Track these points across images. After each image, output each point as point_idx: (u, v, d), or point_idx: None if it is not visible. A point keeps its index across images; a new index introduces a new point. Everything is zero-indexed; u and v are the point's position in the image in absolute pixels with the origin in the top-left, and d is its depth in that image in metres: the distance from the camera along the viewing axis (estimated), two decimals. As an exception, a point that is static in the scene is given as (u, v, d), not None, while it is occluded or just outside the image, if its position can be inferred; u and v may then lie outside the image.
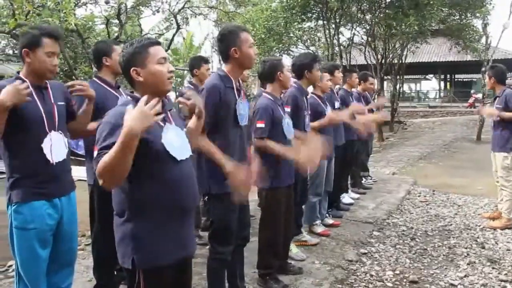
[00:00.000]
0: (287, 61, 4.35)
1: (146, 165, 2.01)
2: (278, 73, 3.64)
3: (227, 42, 2.93)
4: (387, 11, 12.60)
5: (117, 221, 2.14)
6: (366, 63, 16.10)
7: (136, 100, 2.08)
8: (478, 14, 15.61)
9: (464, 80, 37.72)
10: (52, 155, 2.65)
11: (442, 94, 33.99)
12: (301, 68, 4.19)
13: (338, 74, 5.59)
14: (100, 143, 1.93)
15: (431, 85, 41.59)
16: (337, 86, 5.93)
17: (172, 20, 10.05)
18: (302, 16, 14.60)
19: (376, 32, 15.61)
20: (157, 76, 2.08)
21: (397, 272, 4.19)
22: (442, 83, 35.19)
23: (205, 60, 5.03)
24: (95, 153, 1.93)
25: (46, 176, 2.64)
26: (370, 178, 7.90)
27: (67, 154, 2.77)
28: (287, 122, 3.58)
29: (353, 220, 5.68)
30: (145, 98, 1.90)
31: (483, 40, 15.49)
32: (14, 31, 5.39)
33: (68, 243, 2.84)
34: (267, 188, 3.56)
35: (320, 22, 15.83)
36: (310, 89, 4.85)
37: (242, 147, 3.02)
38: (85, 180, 3.48)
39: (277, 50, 15.69)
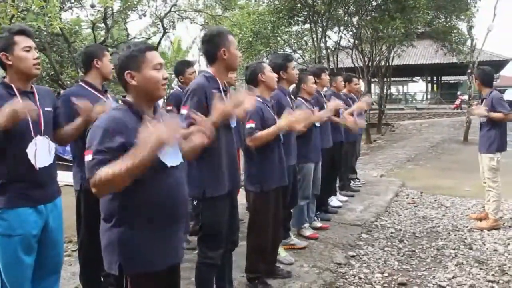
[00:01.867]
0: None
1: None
2: (260, 75, 3.67)
3: (215, 43, 2.92)
4: (373, 14, 12.70)
5: (103, 226, 2.11)
6: (353, 65, 16.18)
7: (129, 106, 2.06)
8: (463, 17, 15.78)
9: (451, 82, 38.13)
10: (36, 160, 2.61)
11: (429, 96, 34.29)
12: (276, 69, 4.17)
13: (325, 77, 5.60)
14: (95, 148, 1.91)
15: (418, 87, 41.99)
16: (325, 89, 5.94)
17: (159, 24, 10.01)
18: (289, 19, 14.65)
19: (363, 35, 15.71)
20: (151, 81, 2.07)
21: (386, 274, 4.20)
22: (429, 85, 35.51)
23: (188, 64, 5.01)
24: (88, 157, 1.91)
25: (31, 182, 2.61)
26: (358, 180, 7.92)
27: (53, 159, 2.74)
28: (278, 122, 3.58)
29: (342, 223, 5.68)
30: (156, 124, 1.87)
31: (468, 42, 15.63)
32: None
33: (54, 249, 2.81)
34: (255, 192, 3.55)
35: (307, 25, 15.90)
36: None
37: (231, 150, 3.01)
38: (72, 185, 3.43)
39: (264, 54, 15.71)
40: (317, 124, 4.87)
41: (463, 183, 8.44)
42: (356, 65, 16.08)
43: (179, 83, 5.02)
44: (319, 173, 5.17)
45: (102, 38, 8.65)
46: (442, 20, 17.00)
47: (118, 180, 1.83)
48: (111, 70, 3.53)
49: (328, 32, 16.48)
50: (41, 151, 2.64)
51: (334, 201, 6.35)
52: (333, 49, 16.29)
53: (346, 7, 13.79)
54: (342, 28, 15.18)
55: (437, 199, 7.18)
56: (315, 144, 4.87)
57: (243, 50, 13.51)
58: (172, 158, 2.12)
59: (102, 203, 2.12)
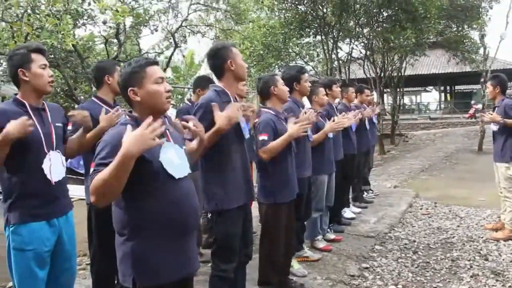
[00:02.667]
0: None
1: (144, 183, 2.03)
2: (272, 87, 3.70)
3: (221, 56, 2.99)
4: (384, 25, 12.71)
5: (118, 240, 2.14)
6: (365, 76, 16.17)
7: (134, 120, 2.11)
8: (475, 26, 15.72)
9: (464, 91, 37.76)
10: (52, 174, 2.67)
11: (442, 106, 34.04)
12: (290, 81, 4.19)
13: (336, 88, 5.61)
14: (97, 161, 1.96)
15: (431, 97, 41.70)
16: (337, 100, 5.96)
17: (171, 39, 10.12)
18: (300, 31, 14.69)
19: (374, 46, 15.70)
20: (154, 95, 2.11)
21: (400, 286, 4.17)
22: (443, 95, 35.27)
23: (211, 82, 5.04)
24: (91, 170, 1.96)
25: (46, 196, 2.65)
26: (371, 192, 7.88)
27: (65, 172, 2.80)
28: None
29: (355, 235, 5.66)
30: (149, 120, 1.91)
31: (481, 51, 15.54)
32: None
33: (67, 262, 2.84)
34: (268, 204, 3.57)
35: (318, 37, 15.95)
36: (308, 104, 4.88)
37: (244, 163, 3.04)
38: (84, 199, 3.48)
39: (276, 66, 15.79)
40: (330, 136, 4.88)
41: (478, 193, 8.35)
42: (368, 76, 16.06)
43: (190, 97, 5.05)
44: (332, 185, 5.16)
45: (115, 54, 8.77)
46: (454, 29, 16.96)
47: (107, 182, 1.86)
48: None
49: (340, 44, 16.52)
50: (55, 166, 2.70)
51: (347, 212, 6.33)
52: (344, 60, 16.31)
53: (357, 18, 13.82)
54: (353, 39, 15.18)
55: (451, 210, 7.10)
56: (328, 156, 4.88)
57: (254, 63, 13.64)
58: (179, 170, 2.16)
59: (114, 216, 2.16)
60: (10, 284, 4.29)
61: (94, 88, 7.67)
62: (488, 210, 6.89)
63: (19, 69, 2.59)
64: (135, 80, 2.10)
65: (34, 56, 2.64)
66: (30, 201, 2.59)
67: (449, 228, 6.05)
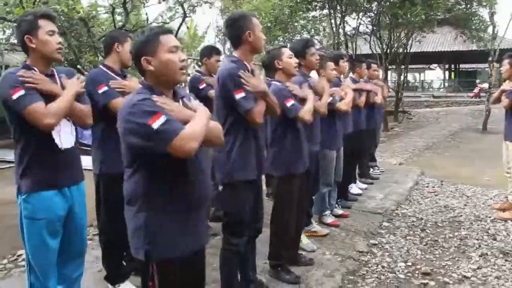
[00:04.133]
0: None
1: (160, 155, 1.94)
2: (276, 61, 3.57)
3: (240, 26, 2.89)
4: (395, 0, 12.40)
5: (129, 212, 2.09)
6: (371, 52, 15.95)
7: (149, 88, 2.03)
8: (484, 3, 15.42)
9: (469, 70, 37.51)
10: (62, 141, 2.61)
11: (446, 84, 33.80)
12: (296, 54, 4.05)
13: (343, 63, 5.48)
14: (161, 121, 1.85)
15: (435, 75, 41.39)
16: (342, 75, 5.85)
17: (177, 9, 9.92)
18: (307, 5, 14.42)
19: (381, 21, 15.44)
20: (168, 65, 2.03)
21: (409, 263, 4.15)
22: (447, 73, 34.99)
23: (217, 51, 4.93)
24: (157, 124, 1.84)
25: (56, 164, 2.60)
26: (377, 168, 7.84)
27: (74, 142, 2.74)
28: None
29: (362, 211, 5.63)
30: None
31: (490, 29, 15.31)
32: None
33: (78, 233, 2.82)
34: (280, 177, 3.52)
35: (325, 11, 15.66)
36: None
37: (258, 137, 2.98)
38: (90, 170, 3.41)
39: (282, 39, 15.55)
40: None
41: (483, 172, 8.31)
42: (374, 51, 15.82)
43: (198, 68, 4.95)
44: (341, 160, 5.11)
45: (121, 23, 8.59)
46: (463, 6, 16.63)
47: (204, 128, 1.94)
48: (130, 57, 3.52)
49: (346, 18, 16.27)
50: (64, 132, 2.64)
51: (354, 188, 6.30)
52: (351, 35, 16.05)
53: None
54: (361, 14, 14.88)
55: (458, 188, 7.07)
56: (337, 131, 4.81)
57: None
58: None
59: (125, 187, 2.09)
60: (20, 252, 4.32)
61: (100, 58, 7.54)
62: (495, 190, 6.85)
63: (26, 36, 2.52)
64: (149, 49, 2.01)
65: (41, 22, 2.55)
66: (40, 169, 2.55)
67: (456, 207, 6.02)
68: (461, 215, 5.65)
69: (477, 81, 29.93)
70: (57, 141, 2.58)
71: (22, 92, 2.41)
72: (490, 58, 14.84)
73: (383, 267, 4.06)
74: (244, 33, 2.87)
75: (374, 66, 6.88)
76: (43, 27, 2.55)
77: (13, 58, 11.21)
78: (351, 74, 6.34)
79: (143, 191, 2.02)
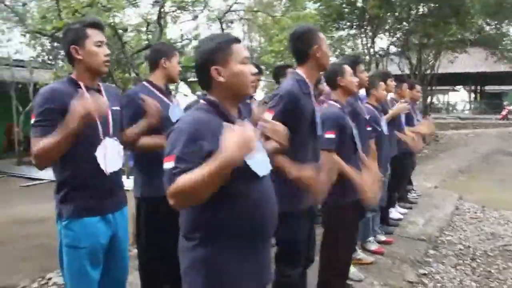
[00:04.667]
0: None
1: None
2: (339, 78, 3.35)
3: (308, 40, 2.70)
4: (427, 19, 12.18)
5: (184, 244, 1.86)
6: (399, 72, 15.69)
7: (213, 105, 1.84)
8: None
9: (494, 91, 36.87)
10: (107, 164, 2.37)
11: (472, 106, 33.23)
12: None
13: (391, 82, 5.29)
14: (178, 153, 1.66)
15: (459, 97, 40.78)
16: (389, 95, 5.65)
17: (211, 25, 9.84)
18: (337, 24, 14.25)
19: (410, 42, 15.21)
20: (240, 77, 1.82)
21: (465, 297, 3.87)
22: (472, 95, 34.45)
23: (259, 70, 4.75)
24: (169, 164, 1.66)
25: (100, 188, 2.38)
26: (414, 192, 7.55)
27: (121, 164, 2.54)
28: (356, 132, 3.30)
29: (405, 237, 5.36)
30: (241, 126, 1.64)
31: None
32: (57, 34, 5.27)
33: (120, 261, 2.58)
34: (333, 205, 3.29)
35: (353, 31, 15.49)
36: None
37: (316, 160, 2.76)
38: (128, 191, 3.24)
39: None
40: (385, 131, 4.59)
41: (524, 197, 7.96)
42: (402, 72, 15.57)
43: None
44: (386, 184, 4.87)
45: (146, 42, 8.52)
46: (492, 26, 16.34)
47: (197, 189, 1.58)
48: (178, 72, 3.36)
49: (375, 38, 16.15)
50: (110, 154, 2.40)
51: (393, 213, 6.02)
52: (382, 55, 15.83)
53: (399, 12, 13.22)
54: (391, 33, 14.67)
55: (502, 215, 6.73)
56: (385, 153, 4.58)
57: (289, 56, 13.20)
58: (262, 166, 1.87)
59: (183, 219, 1.88)
60: (50, 275, 4.16)
61: (133, 74, 7.44)
62: (542, 216, 6.51)
63: (72, 46, 2.32)
64: (220, 58, 1.80)
65: (89, 31, 2.34)
66: (83, 194, 2.33)
67: (504, 235, 5.70)
68: (511, 244, 5.33)
69: (505, 103, 29.34)
70: (102, 165, 2.35)
71: (34, 119, 2.23)
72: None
73: (437, 300, 3.79)
74: (311, 48, 2.69)
75: (418, 87, 6.64)
76: (91, 37, 2.34)
77: (41, 76, 11.26)
78: (391, 94, 6.12)
79: (205, 221, 1.80)
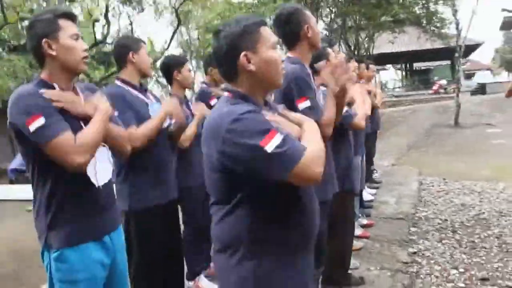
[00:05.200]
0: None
1: (275, 185, 1.50)
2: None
3: (297, 21, 2.49)
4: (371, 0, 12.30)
5: (225, 260, 1.61)
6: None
7: (243, 99, 1.59)
8: (441, 1, 15.63)
9: (422, 68, 38.54)
10: (97, 175, 2.00)
11: (404, 83, 34.51)
12: None
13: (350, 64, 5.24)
14: (281, 140, 1.42)
15: (388, 75, 42.27)
16: None
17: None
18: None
19: (347, 24, 15.40)
20: (271, 64, 1.59)
21: (461, 270, 3.88)
22: (400, 73, 35.79)
23: None
24: (276, 141, 1.41)
25: (93, 206, 2.00)
26: (375, 171, 7.62)
27: (112, 172, 2.16)
28: None
29: (383, 218, 5.35)
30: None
31: (452, 26, 15.55)
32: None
33: (121, 286, 2.23)
34: (337, 192, 3.14)
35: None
36: None
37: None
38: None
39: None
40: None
41: (477, 166, 8.29)
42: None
43: (203, 80, 4.49)
44: (364, 167, 4.82)
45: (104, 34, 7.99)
46: (420, 5, 16.83)
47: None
48: (150, 65, 3.09)
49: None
50: (101, 164, 2.03)
51: (365, 194, 6.01)
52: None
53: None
54: (330, 16, 14.71)
55: (464, 185, 6.92)
56: (362, 135, 4.51)
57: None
58: None
59: (219, 231, 1.63)
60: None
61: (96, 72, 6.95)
62: (501, 183, 6.77)
63: (44, 40, 1.91)
64: (249, 43, 1.56)
65: (63, 23, 1.95)
66: (74, 216, 1.94)
67: (473, 204, 5.85)
68: (483, 212, 5.47)
69: (435, 78, 30.71)
70: (92, 178, 1.98)
71: (42, 120, 1.80)
72: (456, 55, 15.09)
73: (436, 277, 3.77)
74: (302, 29, 2.49)
75: (372, 66, 6.64)
76: (65, 29, 1.95)
77: None
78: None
79: (248, 232, 1.56)
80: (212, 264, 3.97)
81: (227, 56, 1.59)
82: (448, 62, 33.56)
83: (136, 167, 2.75)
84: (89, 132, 1.91)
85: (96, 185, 2.00)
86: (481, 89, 29.27)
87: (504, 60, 47.62)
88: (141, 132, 2.62)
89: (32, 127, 1.79)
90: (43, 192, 1.93)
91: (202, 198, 3.64)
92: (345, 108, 3.72)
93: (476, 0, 14.39)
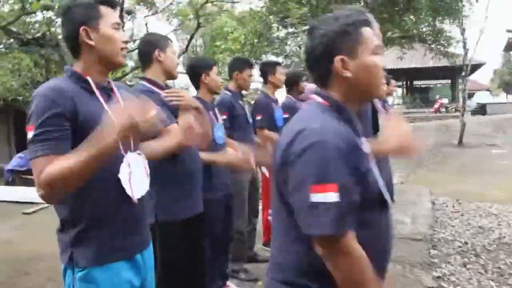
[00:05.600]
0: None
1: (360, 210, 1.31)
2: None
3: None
4: (383, 15, 12.14)
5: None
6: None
7: (336, 108, 1.38)
8: (451, 19, 15.56)
9: (422, 86, 38.59)
10: (133, 188, 1.76)
11: (403, 101, 34.48)
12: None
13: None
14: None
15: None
16: None
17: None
18: (282, 20, 13.92)
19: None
20: (372, 72, 1.38)
21: (492, 298, 3.68)
22: (402, 90, 35.78)
23: (249, 64, 4.29)
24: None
25: (126, 222, 1.77)
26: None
27: (149, 184, 1.91)
28: None
29: (400, 238, 5.12)
30: None
31: (459, 45, 15.45)
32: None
33: None
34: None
35: (301, 28, 15.24)
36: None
37: None
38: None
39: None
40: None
41: (487, 187, 8.16)
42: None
43: (226, 86, 4.28)
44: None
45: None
46: (426, 24, 16.74)
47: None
48: (177, 65, 2.87)
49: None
50: (136, 174, 1.79)
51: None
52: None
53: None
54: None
55: (479, 207, 6.73)
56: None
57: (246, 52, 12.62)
58: (388, 191, 1.46)
59: (283, 260, 1.42)
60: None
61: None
62: (517, 206, 6.59)
63: (82, 27, 1.71)
64: (347, 45, 1.36)
65: (104, 10, 1.76)
66: (106, 231, 1.72)
67: (492, 227, 5.65)
68: (504, 237, 5.27)
69: (437, 96, 30.69)
70: (127, 190, 1.74)
71: (32, 132, 1.58)
72: (463, 73, 15.00)
73: (466, 305, 3.56)
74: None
75: (393, 82, 6.43)
76: (106, 17, 1.76)
77: None
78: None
79: (322, 262, 1.31)
80: (228, 283, 3.75)
81: (320, 59, 1.40)
82: (448, 81, 33.68)
83: (164, 178, 2.54)
84: (61, 165, 1.54)
85: (133, 199, 1.76)
86: (481, 109, 29.29)
87: (502, 81, 48.03)
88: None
89: (29, 134, 1.60)
90: (71, 203, 1.69)
91: (222, 213, 3.45)
92: None
93: (485, 19, 14.24)
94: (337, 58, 1.35)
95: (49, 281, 4.15)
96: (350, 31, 1.36)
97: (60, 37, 6.71)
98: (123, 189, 1.73)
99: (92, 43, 1.73)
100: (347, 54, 1.36)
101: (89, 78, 1.74)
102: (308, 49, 1.43)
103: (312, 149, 1.25)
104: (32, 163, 1.58)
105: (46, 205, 7.67)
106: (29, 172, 12.20)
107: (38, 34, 6.77)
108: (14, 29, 6.35)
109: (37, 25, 7.72)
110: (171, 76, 2.80)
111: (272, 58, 14.65)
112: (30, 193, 8.55)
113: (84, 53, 1.76)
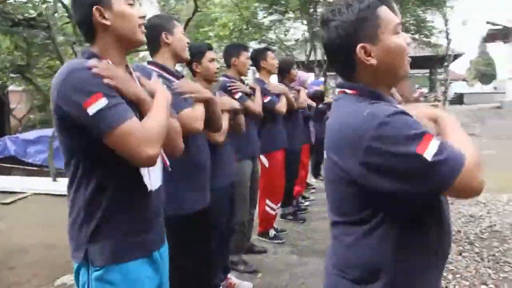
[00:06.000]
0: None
1: (424, 205, 1.29)
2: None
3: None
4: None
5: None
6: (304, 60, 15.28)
7: (371, 95, 1.32)
8: (433, 9, 15.71)
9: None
10: (151, 178, 1.69)
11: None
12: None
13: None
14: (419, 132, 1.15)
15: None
16: None
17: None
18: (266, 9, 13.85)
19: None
20: (397, 54, 1.30)
21: (491, 286, 3.72)
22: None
23: (245, 47, 4.23)
24: (434, 147, 1.13)
25: (143, 214, 1.68)
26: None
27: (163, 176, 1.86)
28: None
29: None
30: None
31: (442, 35, 15.66)
32: None
33: None
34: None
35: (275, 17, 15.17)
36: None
37: None
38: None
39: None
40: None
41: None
42: (314, 59, 15.29)
43: (226, 74, 4.20)
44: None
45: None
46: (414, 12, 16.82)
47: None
48: (186, 46, 2.69)
49: (296, 25, 16.12)
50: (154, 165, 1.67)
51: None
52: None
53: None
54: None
55: (468, 195, 6.82)
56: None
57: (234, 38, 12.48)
58: None
59: (349, 255, 1.35)
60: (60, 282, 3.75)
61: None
62: (504, 195, 6.71)
63: (95, 7, 1.59)
64: (366, 31, 1.28)
65: None
66: (123, 227, 1.62)
67: (483, 216, 5.74)
68: (495, 224, 5.36)
69: (417, 86, 31.02)
70: (145, 178, 1.65)
71: (103, 101, 1.45)
72: (446, 63, 15.18)
73: (467, 293, 3.61)
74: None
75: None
76: None
77: None
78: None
79: (392, 255, 1.28)
80: (229, 276, 3.72)
81: (341, 51, 1.33)
82: (427, 70, 34.00)
83: (174, 169, 2.46)
84: (156, 118, 1.58)
85: (149, 189, 1.68)
86: (458, 99, 29.80)
87: (478, 71, 48.78)
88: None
89: (92, 110, 1.44)
90: (85, 195, 1.58)
91: (228, 202, 3.40)
92: None
93: (467, 10, 14.38)
94: (359, 47, 1.29)
95: (35, 277, 4.08)
96: (367, 16, 1.29)
97: (52, 22, 6.48)
98: (140, 179, 1.64)
99: (107, 22, 1.62)
100: (368, 41, 1.29)
101: (108, 61, 1.63)
102: (326, 43, 1.37)
103: (386, 125, 1.17)
104: (120, 130, 1.46)
105: (25, 194, 7.50)
106: (4, 160, 11.81)
107: (32, 15, 6.52)
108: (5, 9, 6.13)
109: (30, 4, 7.43)
110: (181, 58, 2.67)
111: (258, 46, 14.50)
112: (7, 183, 8.29)
113: (99, 35, 1.65)
